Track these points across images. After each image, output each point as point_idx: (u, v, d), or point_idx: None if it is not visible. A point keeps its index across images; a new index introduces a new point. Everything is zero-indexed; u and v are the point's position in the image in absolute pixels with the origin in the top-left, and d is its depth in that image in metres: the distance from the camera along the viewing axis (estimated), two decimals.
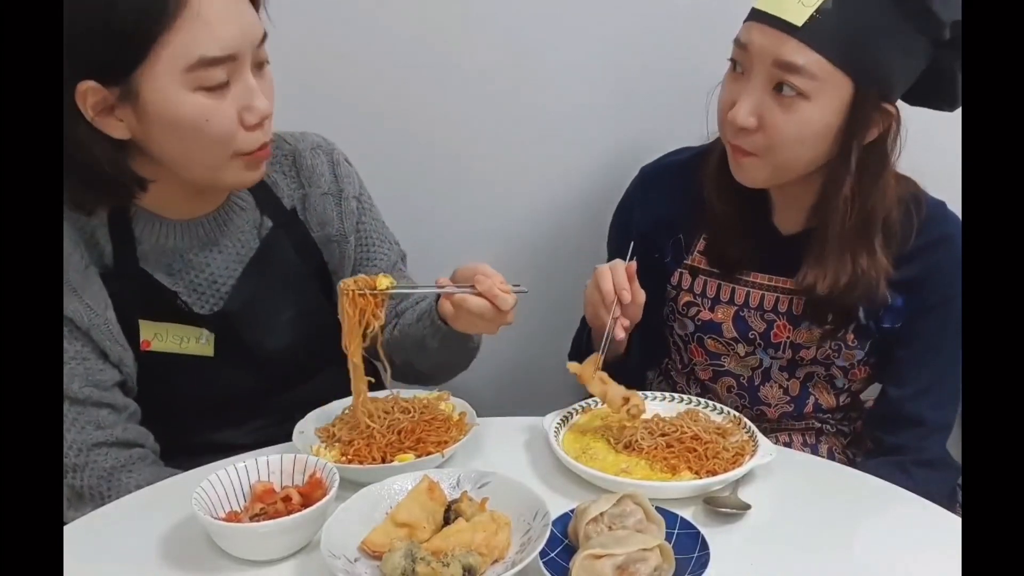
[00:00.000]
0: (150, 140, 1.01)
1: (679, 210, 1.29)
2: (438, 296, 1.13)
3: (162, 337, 1.13)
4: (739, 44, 1.11)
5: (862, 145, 1.11)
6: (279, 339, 1.13)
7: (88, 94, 0.97)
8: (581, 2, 1.55)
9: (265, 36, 1.03)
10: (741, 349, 1.28)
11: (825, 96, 1.07)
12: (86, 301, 1.08)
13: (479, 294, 1.03)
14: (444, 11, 1.54)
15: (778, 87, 1.08)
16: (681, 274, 1.30)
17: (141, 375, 1.14)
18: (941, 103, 1.17)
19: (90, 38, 0.94)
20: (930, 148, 1.17)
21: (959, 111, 1.16)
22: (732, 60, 1.14)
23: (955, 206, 1.23)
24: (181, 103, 0.97)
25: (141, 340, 1.12)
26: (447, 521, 0.87)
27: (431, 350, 1.17)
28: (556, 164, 1.66)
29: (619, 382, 1.12)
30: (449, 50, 1.56)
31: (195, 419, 1.16)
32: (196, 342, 1.14)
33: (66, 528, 0.94)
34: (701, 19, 1.52)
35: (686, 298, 1.30)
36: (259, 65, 1.03)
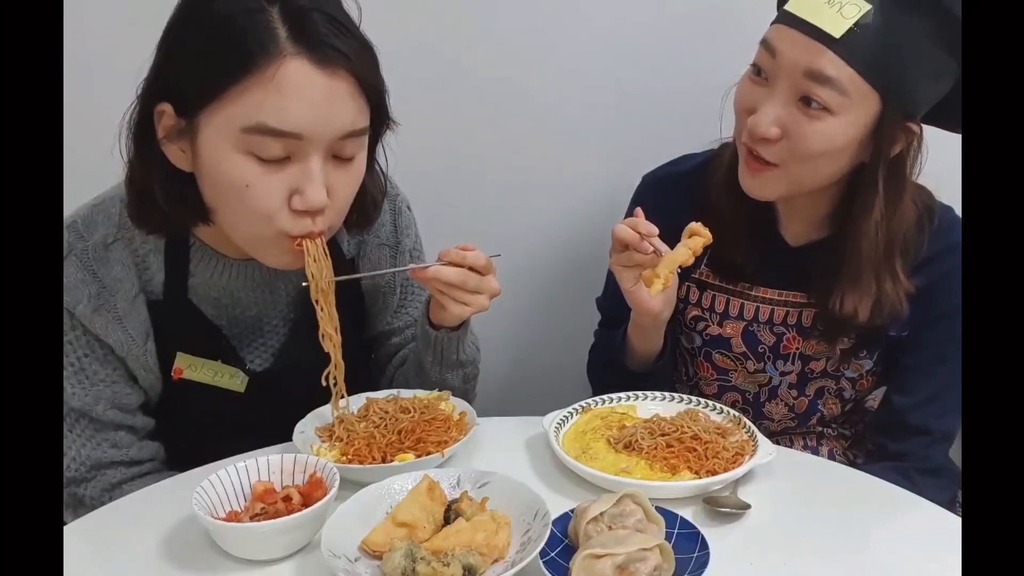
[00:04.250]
0: (202, 182, 0.99)
1: (685, 221, 1.24)
2: (428, 307, 1.13)
3: (196, 368, 1.12)
4: (768, 48, 1.07)
5: (888, 163, 1.09)
6: (314, 385, 1.07)
7: (163, 116, 0.96)
8: (586, 8, 1.55)
9: (362, 132, 0.98)
10: (751, 365, 1.27)
11: (852, 112, 1.04)
12: (129, 331, 1.07)
13: (449, 263, 1.03)
14: (446, 15, 1.54)
15: (804, 99, 1.04)
16: (688, 288, 1.28)
17: (164, 395, 1.14)
18: (949, 123, 1.14)
19: (177, 63, 0.94)
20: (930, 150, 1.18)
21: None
22: (754, 64, 1.10)
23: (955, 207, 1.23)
24: (227, 160, 0.94)
25: (174, 367, 1.12)
26: (447, 521, 0.87)
27: (427, 368, 1.16)
28: (556, 169, 1.66)
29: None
30: (452, 54, 1.56)
31: (213, 438, 1.10)
32: (230, 378, 1.14)
33: (66, 528, 0.94)
34: (705, 25, 1.52)
35: (694, 312, 1.29)
36: (342, 157, 0.98)
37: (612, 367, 1.28)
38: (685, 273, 1.26)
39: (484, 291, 1.06)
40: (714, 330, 1.27)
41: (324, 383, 1.05)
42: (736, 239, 1.21)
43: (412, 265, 1.04)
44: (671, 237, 1.25)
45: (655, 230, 1.09)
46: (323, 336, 1.03)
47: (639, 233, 1.09)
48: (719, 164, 1.23)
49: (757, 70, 1.09)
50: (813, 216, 1.20)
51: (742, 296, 1.26)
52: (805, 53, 1.03)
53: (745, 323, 1.26)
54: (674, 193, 1.28)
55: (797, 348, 1.25)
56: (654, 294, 1.08)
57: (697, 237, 1.08)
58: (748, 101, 1.10)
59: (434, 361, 1.16)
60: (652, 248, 1.09)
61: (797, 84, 1.04)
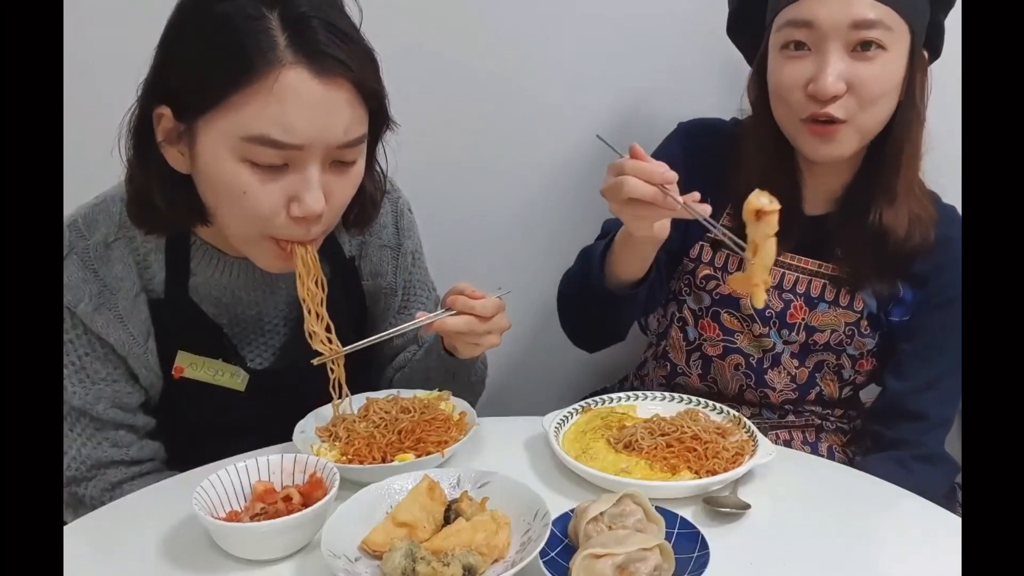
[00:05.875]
0: (200, 185, 0.99)
1: (716, 173, 1.25)
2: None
3: (197, 367, 1.12)
4: (800, 24, 1.14)
5: (923, 89, 1.18)
6: (313, 386, 1.07)
7: (162, 119, 0.96)
8: (586, 8, 1.55)
9: (360, 139, 0.98)
10: (756, 328, 1.29)
11: (896, 46, 1.14)
12: (130, 330, 1.07)
13: (457, 313, 1.04)
14: (444, 15, 1.54)
15: (856, 49, 1.12)
16: (702, 247, 1.31)
17: (165, 394, 1.14)
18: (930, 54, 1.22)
19: (176, 67, 0.94)
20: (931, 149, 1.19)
21: (959, 111, 1.17)
22: (786, 45, 1.15)
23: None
24: (225, 167, 0.94)
25: (175, 366, 1.12)
26: (447, 521, 0.87)
27: (436, 383, 1.16)
28: (554, 169, 1.66)
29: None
30: (447, 53, 1.56)
31: (213, 438, 1.10)
32: (231, 377, 1.14)
33: (66, 528, 0.94)
34: (705, 24, 1.52)
35: (705, 271, 1.30)
36: (340, 164, 0.98)
37: (587, 286, 1.23)
38: (700, 234, 1.29)
39: (494, 331, 1.07)
40: (724, 289, 1.29)
41: (331, 391, 1.06)
42: None
43: (417, 320, 1.06)
44: (701, 184, 1.09)
45: (674, 176, 1.01)
46: (309, 335, 1.03)
47: (656, 185, 1.00)
48: (751, 134, 1.25)
49: (793, 47, 1.15)
50: (833, 186, 1.25)
51: None
52: (845, 8, 1.11)
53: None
54: (712, 142, 1.31)
55: (802, 318, 1.27)
56: (761, 303, 0.99)
57: (770, 216, 0.93)
58: (796, 77, 1.15)
59: (445, 380, 1.16)
60: (681, 203, 0.99)
61: (847, 38, 1.12)
